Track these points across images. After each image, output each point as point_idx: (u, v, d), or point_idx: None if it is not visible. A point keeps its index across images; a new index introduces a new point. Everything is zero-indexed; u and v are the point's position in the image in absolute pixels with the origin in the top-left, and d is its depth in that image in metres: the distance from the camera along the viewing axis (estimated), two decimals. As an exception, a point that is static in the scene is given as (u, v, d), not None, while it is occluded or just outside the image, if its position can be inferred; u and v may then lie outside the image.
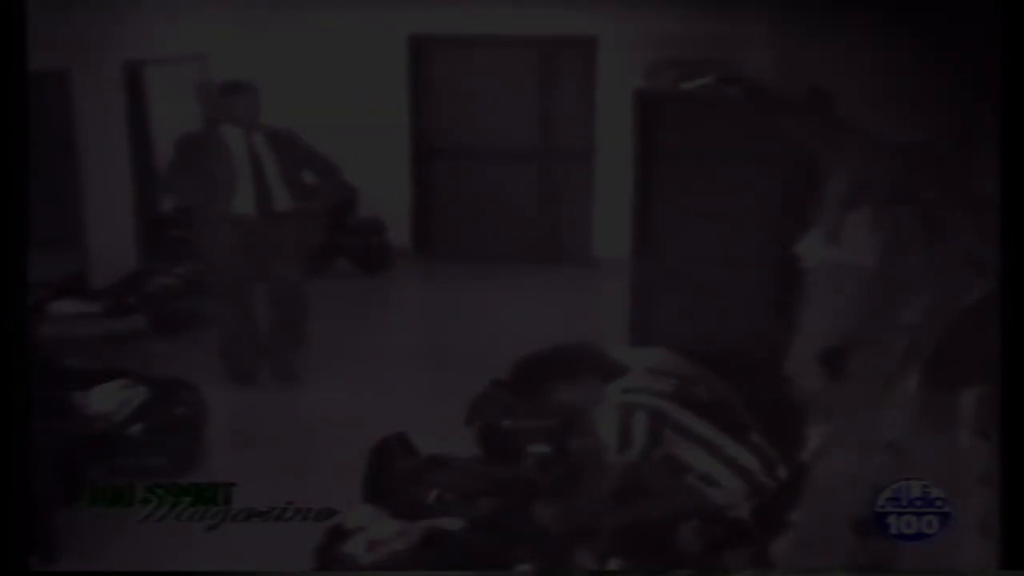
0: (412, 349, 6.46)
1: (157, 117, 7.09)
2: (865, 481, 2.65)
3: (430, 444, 4.17)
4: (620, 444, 3.51)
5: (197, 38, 7.26)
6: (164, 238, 7.09)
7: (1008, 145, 2.25)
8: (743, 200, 4.49)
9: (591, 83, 7.93)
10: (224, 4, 7.27)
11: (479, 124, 8.25)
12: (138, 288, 6.42)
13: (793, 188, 4.21)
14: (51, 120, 6.03)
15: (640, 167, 4.97)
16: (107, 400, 4.44)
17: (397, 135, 8.19)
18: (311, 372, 5.55)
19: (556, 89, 8.15)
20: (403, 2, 7.73)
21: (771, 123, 4.32)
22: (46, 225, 5.87)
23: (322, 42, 7.79)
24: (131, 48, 6.72)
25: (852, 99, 3.75)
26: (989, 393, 2.35)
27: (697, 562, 3.23)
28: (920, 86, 3.26)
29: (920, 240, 3.00)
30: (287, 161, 5.12)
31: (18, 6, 2.32)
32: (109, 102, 6.60)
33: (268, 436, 4.85)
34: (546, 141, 8.25)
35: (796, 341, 3.99)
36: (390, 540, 3.40)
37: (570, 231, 8.29)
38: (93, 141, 6.37)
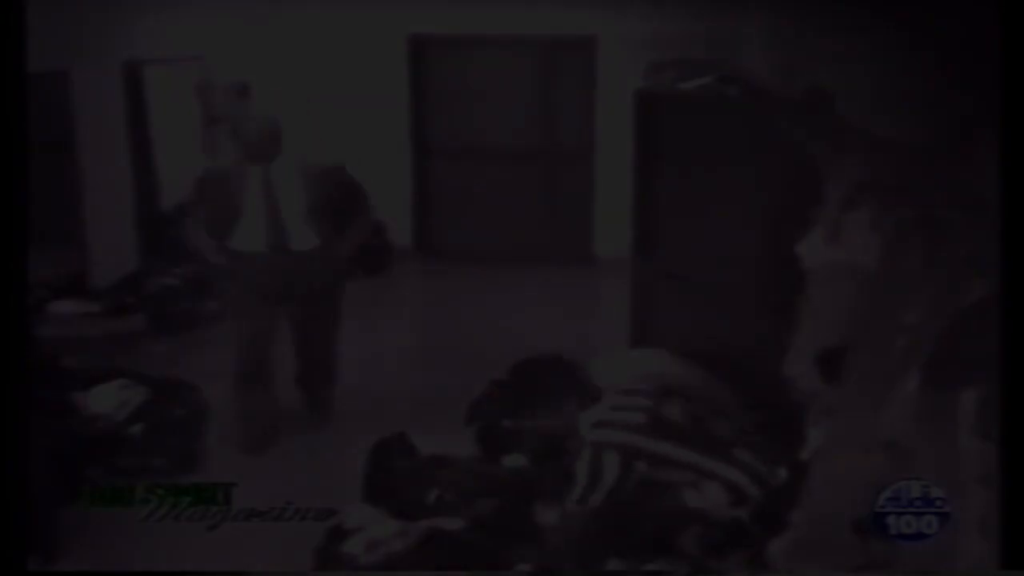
0: (412, 349, 6.46)
1: (157, 117, 7.10)
2: (865, 481, 2.65)
3: (430, 444, 4.17)
4: (588, 486, 3.46)
5: (197, 38, 7.26)
6: (164, 238, 7.09)
7: (1008, 145, 2.25)
8: (743, 200, 4.48)
9: (591, 83, 7.93)
10: (224, 4, 7.27)
11: (479, 124, 8.25)
12: (138, 288, 6.43)
13: (793, 188, 4.20)
14: (51, 120, 6.03)
15: (640, 167, 4.97)
16: (107, 400, 4.44)
17: (397, 135, 8.19)
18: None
19: (556, 89, 8.15)
20: (403, 2, 7.74)
21: (771, 123, 4.31)
22: (46, 225, 5.88)
23: (322, 42, 7.79)
24: (131, 48, 6.72)
25: (852, 99, 3.75)
26: (989, 393, 2.35)
27: (697, 563, 3.23)
28: (920, 86, 3.26)
29: (920, 240, 3.00)
30: (320, 197, 4.61)
31: (18, 6, 2.32)
32: (109, 102, 6.60)
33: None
34: (546, 141, 8.25)
35: (796, 341, 4.00)
36: (390, 540, 3.39)
37: (570, 231, 8.29)
38: (93, 141, 6.37)
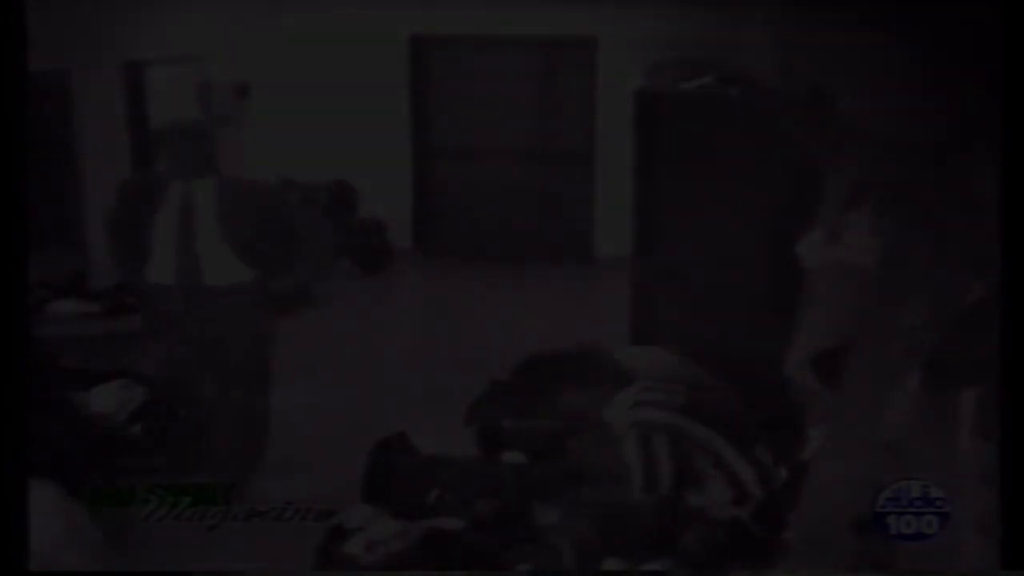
0: (412, 349, 6.46)
1: (157, 117, 7.09)
2: (865, 481, 2.65)
3: (430, 444, 4.17)
4: (649, 474, 3.41)
5: (198, 38, 7.25)
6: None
7: (1008, 145, 2.25)
8: (743, 200, 4.49)
9: (591, 83, 7.93)
10: (224, 4, 7.27)
11: (479, 124, 8.26)
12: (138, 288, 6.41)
13: (793, 188, 4.20)
14: (51, 120, 6.03)
15: (640, 167, 4.97)
16: (107, 400, 4.44)
17: (398, 135, 8.19)
18: (312, 371, 5.54)
19: (556, 89, 8.15)
20: (404, 2, 7.74)
21: (771, 123, 4.31)
22: (46, 225, 5.87)
23: (323, 42, 7.79)
24: (131, 48, 6.72)
25: (852, 98, 3.75)
26: (989, 393, 2.35)
27: (698, 563, 3.23)
28: (920, 86, 3.26)
29: (920, 240, 3.00)
30: (241, 224, 3.90)
31: (18, 6, 2.32)
32: (109, 102, 6.60)
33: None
34: (546, 141, 8.25)
35: (796, 341, 3.99)
36: (390, 540, 3.39)
37: (570, 231, 8.29)
38: (93, 141, 6.37)
